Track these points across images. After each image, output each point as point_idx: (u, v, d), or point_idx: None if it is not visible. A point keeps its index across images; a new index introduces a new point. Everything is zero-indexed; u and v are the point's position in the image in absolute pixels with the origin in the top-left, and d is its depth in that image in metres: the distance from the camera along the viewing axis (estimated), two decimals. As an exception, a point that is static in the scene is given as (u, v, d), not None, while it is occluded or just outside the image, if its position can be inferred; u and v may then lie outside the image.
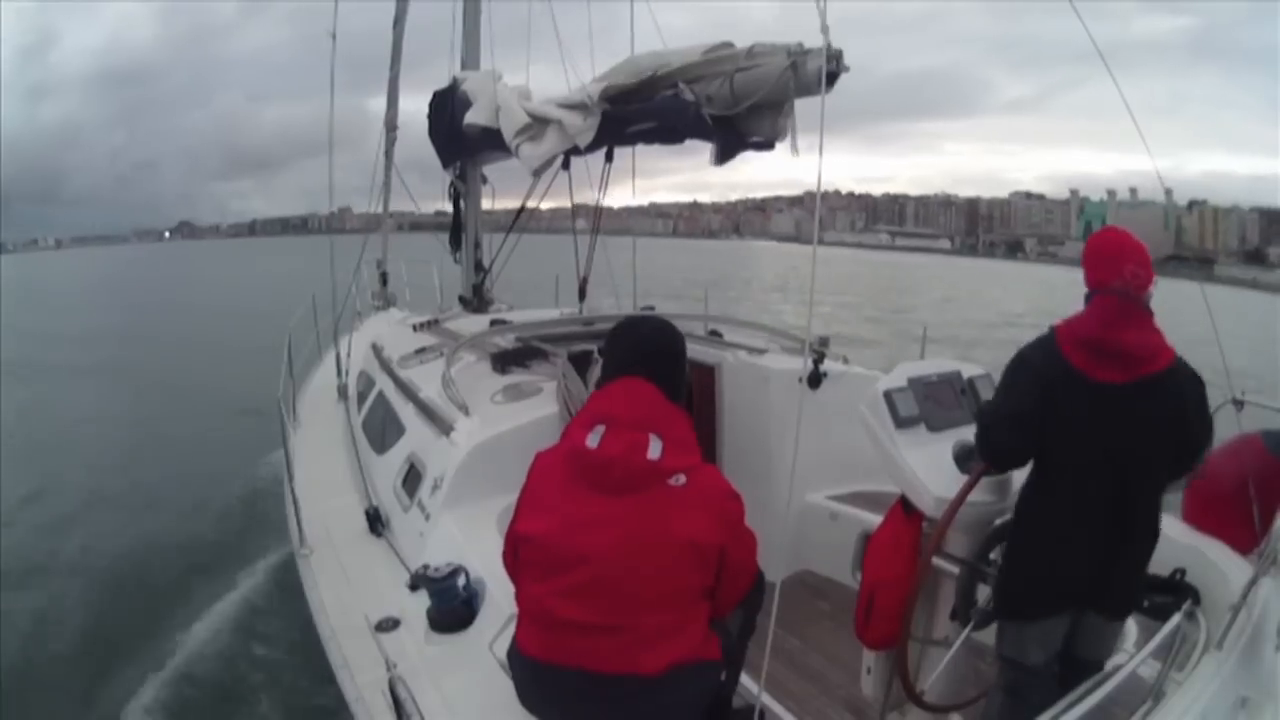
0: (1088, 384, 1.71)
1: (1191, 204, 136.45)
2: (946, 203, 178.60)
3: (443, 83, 4.50)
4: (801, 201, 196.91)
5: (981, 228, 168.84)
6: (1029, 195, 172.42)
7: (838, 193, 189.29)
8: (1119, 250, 1.77)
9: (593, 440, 1.48)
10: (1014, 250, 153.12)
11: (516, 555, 1.58)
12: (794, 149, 2.64)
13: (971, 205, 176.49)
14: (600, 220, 4.57)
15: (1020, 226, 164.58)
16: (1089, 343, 1.72)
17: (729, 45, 2.99)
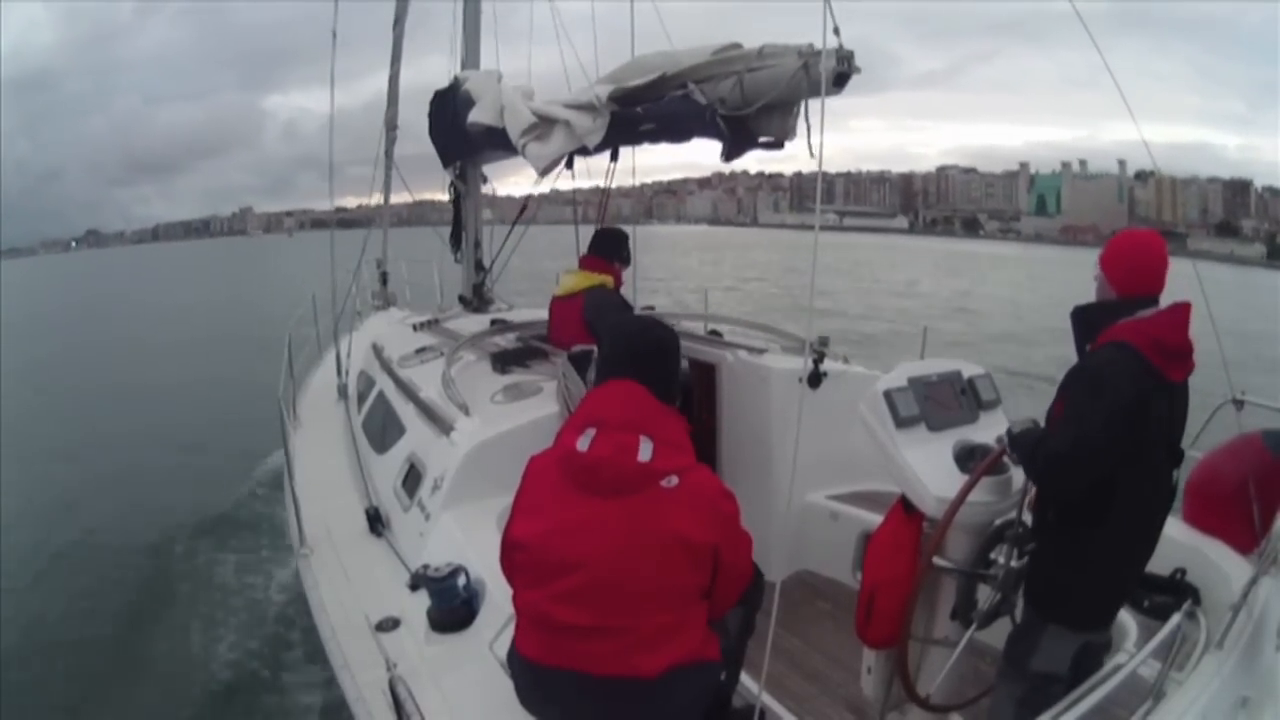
0: (1170, 386, 1.77)
1: (1139, 174, 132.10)
2: (879, 179, 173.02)
3: (435, 83, 4.50)
4: (710, 183, 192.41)
5: (922, 204, 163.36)
6: (966, 170, 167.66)
7: (746, 173, 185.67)
8: (1162, 260, 1.85)
9: (583, 443, 1.48)
10: (971, 228, 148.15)
11: (512, 560, 1.58)
12: (810, 149, 2.62)
13: (906, 181, 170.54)
14: (603, 217, 4.56)
15: (960, 202, 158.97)
16: (1170, 349, 1.75)
17: (737, 46, 2.98)
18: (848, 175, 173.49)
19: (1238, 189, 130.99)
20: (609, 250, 3.59)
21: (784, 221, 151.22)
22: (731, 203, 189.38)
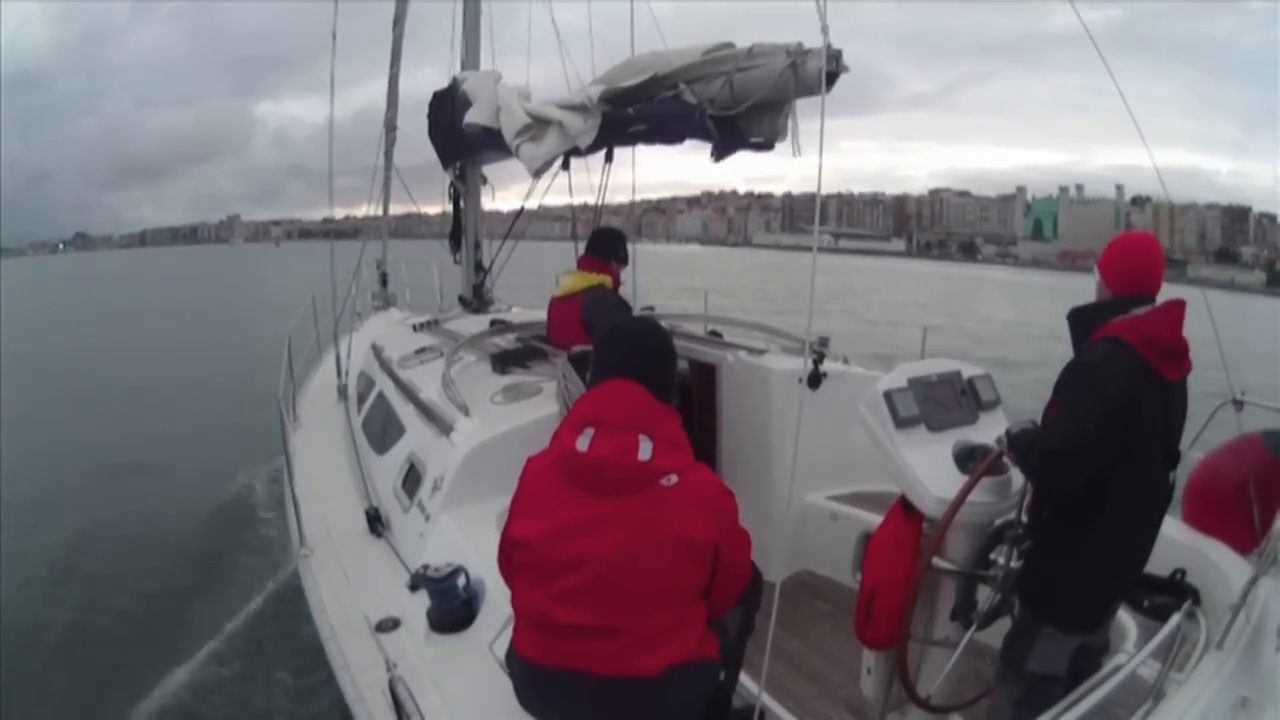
0: (1163, 384, 1.76)
1: (1135, 199, 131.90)
2: (873, 201, 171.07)
3: (437, 83, 4.51)
4: (699, 202, 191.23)
5: (915, 227, 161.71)
6: (960, 193, 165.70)
7: (735, 193, 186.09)
8: (1157, 260, 1.88)
9: (583, 443, 1.48)
10: (968, 251, 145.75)
11: (510, 560, 1.58)
12: (795, 149, 2.63)
13: (899, 203, 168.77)
14: (600, 219, 4.58)
15: (954, 225, 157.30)
16: (1164, 346, 1.75)
17: (729, 45, 2.99)
18: (840, 196, 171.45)
19: (1236, 215, 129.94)
20: (606, 250, 3.59)
21: (779, 242, 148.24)
22: (722, 222, 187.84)
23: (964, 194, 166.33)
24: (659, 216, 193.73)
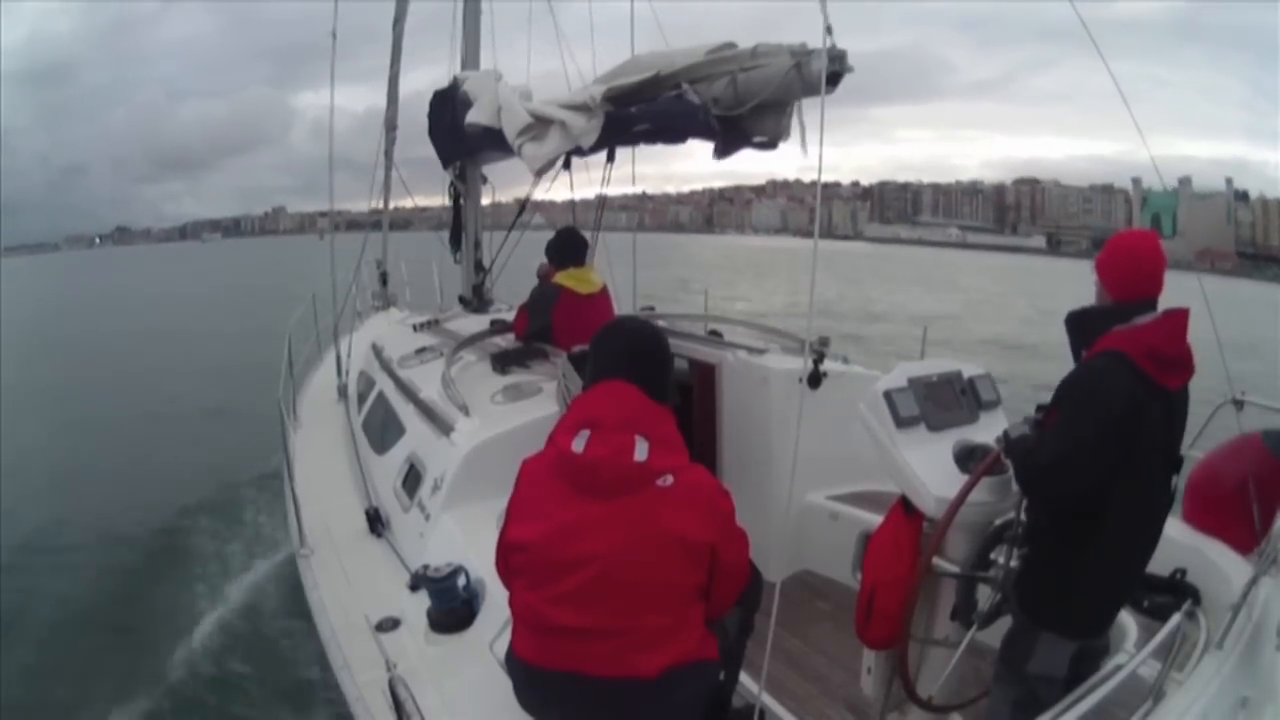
0: (1164, 393, 1.73)
1: (1237, 194, 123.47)
2: (972, 190, 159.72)
3: (439, 82, 4.50)
4: (765, 191, 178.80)
5: (1017, 219, 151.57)
6: (1060, 184, 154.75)
7: (800, 181, 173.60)
8: (1157, 262, 1.80)
9: (578, 445, 1.48)
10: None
11: (508, 562, 1.58)
12: (804, 149, 2.62)
13: (999, 193, 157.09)
14: (601, 218, 4.58)
15: (1058, 217, 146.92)
16: (1165, 357, 1.72)
17: (731, 45, 2.99)
18: (936, 186, 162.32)
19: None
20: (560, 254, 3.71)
21: (898, 235, 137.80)
22: (801, 212, 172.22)
23: (1057, 183, 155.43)
24: (728, 206, 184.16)
